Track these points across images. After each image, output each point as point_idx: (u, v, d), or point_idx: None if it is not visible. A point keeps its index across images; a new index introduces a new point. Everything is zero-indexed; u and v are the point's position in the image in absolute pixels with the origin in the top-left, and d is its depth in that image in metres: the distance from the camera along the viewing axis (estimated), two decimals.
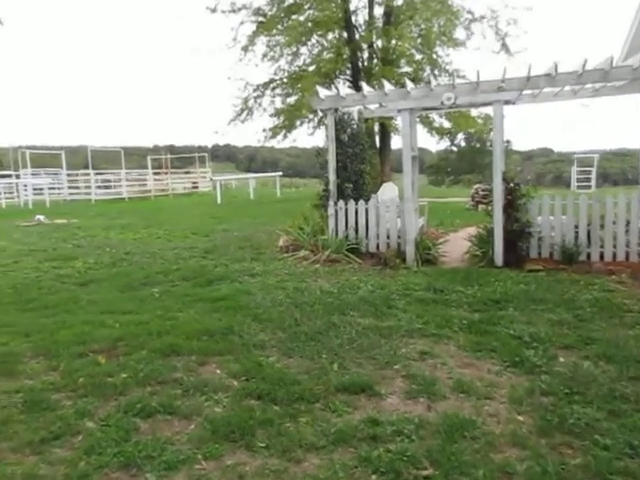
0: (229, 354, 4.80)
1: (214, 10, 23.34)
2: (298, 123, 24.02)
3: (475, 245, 8.63)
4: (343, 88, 9.44)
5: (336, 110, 9.59)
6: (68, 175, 29.80)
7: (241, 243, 10.87)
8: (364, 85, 9.41)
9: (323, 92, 9.38)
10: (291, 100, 24.21)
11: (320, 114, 24.53)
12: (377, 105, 11.32)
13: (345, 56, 23.53)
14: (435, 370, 4.39)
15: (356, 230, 9.37)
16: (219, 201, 23.54)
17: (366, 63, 23.94)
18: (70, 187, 29.49)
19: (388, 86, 9.21)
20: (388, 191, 10.66)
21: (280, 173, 31.41)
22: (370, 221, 9.33)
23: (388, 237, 9.26)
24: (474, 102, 8.55)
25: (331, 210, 9.42)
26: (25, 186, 26.32)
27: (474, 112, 22.58)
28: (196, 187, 35.96)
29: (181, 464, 3.05)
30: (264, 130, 23.86)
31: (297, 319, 5.75)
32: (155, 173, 34.06)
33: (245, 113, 23.92)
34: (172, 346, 4.93)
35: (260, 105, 24.26)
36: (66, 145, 36.63)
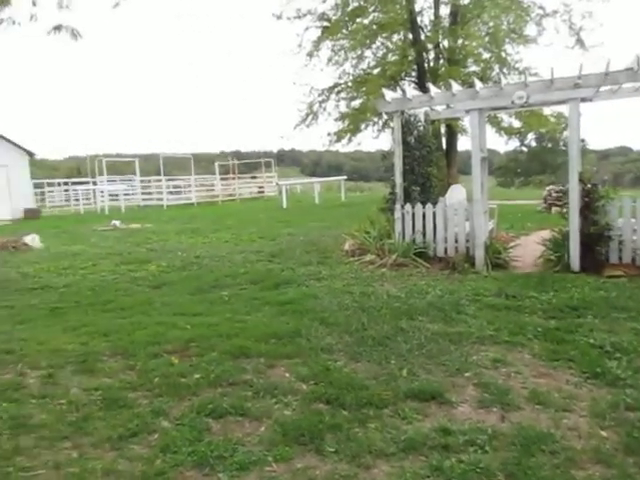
0: (297, 357, 4.83)
1: (279, 17, 23.73)
2: (363, 126, 23.98)
3: (549, 249, 8.31)
4: (409, 90, 9.33)
5: (402, 112, 9.50)
6: (141, 182, 31.05)
7: (307, 247, 10.95)
8: (431, 86, 9.27)
9: (389, 95, 9.31)
10: (356, 104, 24.23)
11: (385, 117, 24.50)
12: (444, 106, 11.15)
13: (410, 58, 23.31)
14: (508, 379, 4.24)
15: (423, 234, 9.23)
16: (285, 205, 23.85)
17: (432, 64, 23.62)
18: (143, 193, 30.72)
19: (455, 86, 9.03)
20: (456, 194, 10.44)
21: (345, 177, 31.48)
22: (438, 224, 9.17)
23: (456, 241, 9.07)
24: (547, 100, 8.24)
25: (398, 213, 9.33)
26: (102, 192, 27.64)
27: (546, 110, 21.80)
28: (262, 192, 36.59)
29: (252, 465, 3.09)
30: (329, 134, 24.00)
31: (364, 323, 5.72)
32: (222, 178, 34.91)
33: (310, 118, 24.13)
34: (241, 348, 5.01)
35: (325, 109, 24.42)
36: (139, 153, 38.13)
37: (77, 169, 56.48)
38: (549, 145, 48.92)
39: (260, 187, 37.25)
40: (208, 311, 6.61)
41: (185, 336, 5.46)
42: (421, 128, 10.10)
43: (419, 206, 9.26)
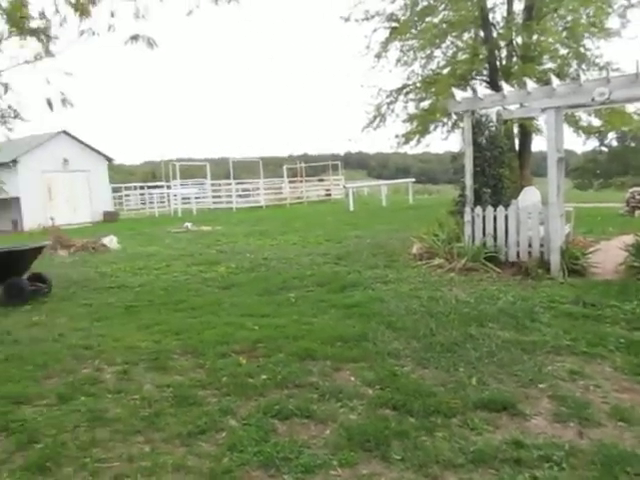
0: (363, 361, 4.80)
1: (347, 19, 23.76)
2: (432, 128, 23.60)
3: (632, 255, 7.85)
4: (480, 89, 9.09)
5: (473, 112, 9.27)
6: (212, 185, 31.97)
7: (374, 250, 10.89)
8: (504, 84, 9.00)
9: (459, 94, 9.11)
10: (424, 104, 23.88)
11: (455, 117, 24.02)
12: (517, 105, 10.79)
13: (481, 56, 22.75)
14: (587, 392, 4.03)
15: (494, 237, 8.95)
16: (351, 208, 23.85)
17: (504, 62, 22.93)
18: (214, 196, 31.60)
19: (530, 84, 8.71)
20: (529, 196, 10.06)
21: (413, 179, 31.13)
22: (510, 228, 8.86)
23: (530, 245, 8.73)
24: (632, 97, 7.81)
25: (468, 216, 9.10)
26: (175, 196, 28.66)
27: (630, 108, 20.63)
28: (329, 194, 36.75)
29: (317, 468, 3.09)
30: (397, 136, 23.77)
31: (432, 329, 5.60)
32: (290, 181, 35.35)
33: (378, 120, 24.00)
34: (308, 350, 5.03)
35: (393, 111, 24.20)
36: (210, 157, 39.26)
37: (152, 173, 58.84)
38: (632, 144, 46.31)
39: (327, 190, 37.43)
40: (275, 312, 6.69)
41: (253, 337, 5.54)
42: (493, 128, 9.81)
43: (490, 209, 8.99)
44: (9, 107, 6.26)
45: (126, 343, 5.51)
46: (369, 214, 21.01)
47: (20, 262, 7.94)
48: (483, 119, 9.57)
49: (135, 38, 6.70)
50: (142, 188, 32.24)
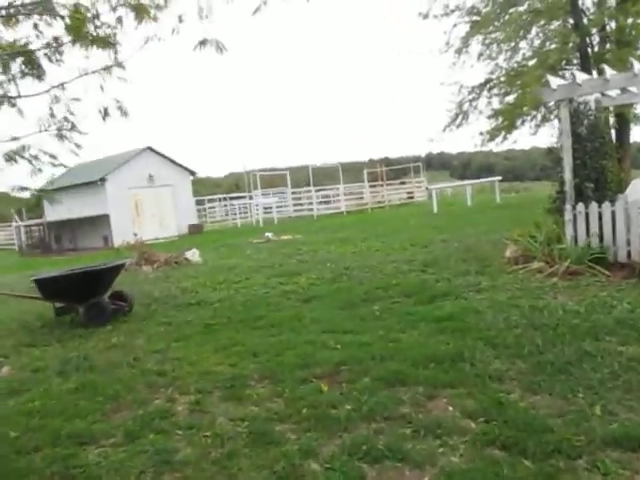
0: (461, 386, 4.21)
1: (426, 16, 22.97)
2: (519, 122, 22.29)
3: None
4: (579, 75, 8.18)
5: (570, 100, 8.39)
6: (292, 193, 32.04)
7: (463, 254, 10.15)
8: (606, 67, 8.05)
9: (555, 81, 8.26)
10: (510, 99, 22.62)
11: (544, 110, 22.57)
12: (618, 91, 9.74)
13: (571, 44, 21.25)
14: None
15: (600, 237, 8.02)
16: (435, 210, 22.98)
17: (596, 49, 21.30)
18: (295, 204, 31.67)
19: (637, 66, 7.73)
20: (638, 189, 8.99)
21: (499, 177, 29.65)
22: (618, 225, 7.89)
23: None
24: None
25: (568, 215, 8.21)
26: (256, 206, 28.95)
27: None
28: (412, 197, 35.92)
29: None
30: (481, 133, 22.60)
31: (539, 345, 4.91)
32: (371, 186, 34.81)
33: (460, 118, 22.96)
34: (396, 374, 4.51)
35: (475, 108, 23.08)
36: (291, 165, 39.47)
37: (236, 184, 60.33)
38: None
39: (409, 192, 36.61)
40: (359, 328, 6.21)
41: (335, 358, 5.09)
42: (592, 117, 8.85)
43: (594, 205, 8.06)
44: (65, 119, 6.16)
45: (202, 368, 5.22)
46: (454, 216, 20.08)
47: (99, 281, 7.94)
48: (582, 107, 8.65)
49: (204, 43, 6.47)
50: (225, 200, 32.84)
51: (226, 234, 23.78)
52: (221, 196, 34.61)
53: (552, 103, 21.89)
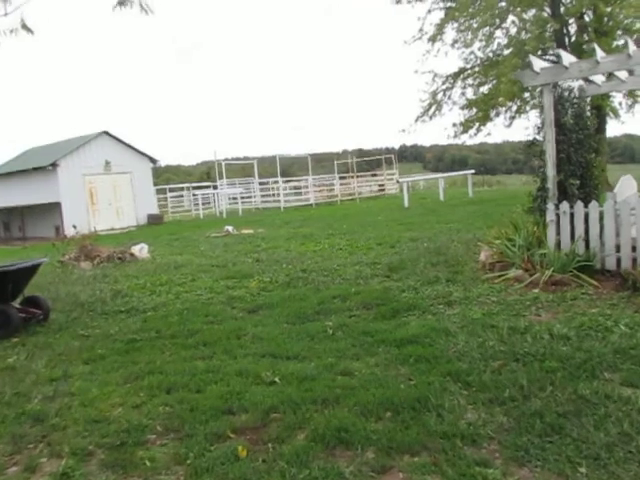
0: (424, 452, 3.16)
1: (399, 1, 21.93)
2: (493, 114, 21.44)
3: None
4: (566, 56, 7.16)
5: (554, 86, 7.38)
6: (260, 184, 30.71)
7: (432, 257, 9.11)
8: (597, 49, 7.05)
9: (538, 63, 7.24)
10: (484, 89, 21.76)
11: (518, 102, 21.73)
12: (603, 79, 8.81)
13: (548, 34, 20.44)
14: None
15: (586, 241, 7.06)
16: (406, 204, 22.00)
17: (574, 38, 20.52)
18: (263, 195, 30.38)
19: (632, 46, 6.76)
20: (627, 187, 8.07)
21: (472, 171, 28.82)
22: (606, 228, 6.95)
23: (634, 250, 6.80)
24: None
25: (551, 215, 7.23)
26: (220, 196, 27.58)
27: None
28: (383, 190, 34.95)
29: None
30: (454, 125, 21.75)
31: (522, 387, 3.87)
32: (341, 177, 33.69)
33: (433, 108, 22.05)
34: (340, 430, 3.41)
35: (449, 98, 22.23)
36: (265, 155, 38.08)
37: (207, 173, 58.80)
38: None
39: (381, 185, 35.61)
40: (305, 351, 5.13)
41: (267, 400, 3.97)
42: (577, 106, 7.87)
43: (579, 205, 7.09)
44: None
45: (95, 411, 4.05)
46: (426, 211, 19.11)
47: (4, 286, 6.63)
48: (567, 94, 7.66)
49: (123, 3, 5.27)
50: (188, 189, 31.33)
51: (185, 226, 22.42)
52: (184, 185, 33.03)
53: (528, 94, 21.36)
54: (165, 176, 72.94)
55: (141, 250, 12.86)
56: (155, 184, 38.75)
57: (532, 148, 7.89)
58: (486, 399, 3.74)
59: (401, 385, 4.09)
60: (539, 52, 20.66)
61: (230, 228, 17.14)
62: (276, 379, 4.47)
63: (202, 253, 12.89)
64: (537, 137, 7.75)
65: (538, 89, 18.70)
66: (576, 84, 8.06)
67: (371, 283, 7.85)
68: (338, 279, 8.34)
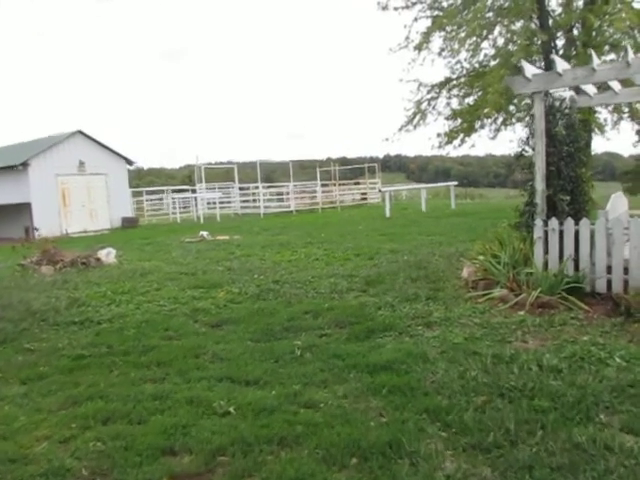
0: None
1: (385, 7, 21.52)
2: (478, 125, 21.13)
3: None
4: (560, 62, 6.76)
5: (546, 94, 6.98)
6: (240, 189, 30.07)
7: (412, 271, 8.64)
8: (594, 57, 6.67)
9: (530, 69, 6.83)
10: (470, 100, 21.46)
11: (504, 115, 21.48)
12: (595, 91, 8.46)
13: (535, 47, 20.24)
14: None
15: (575, 261, 6.64)
16: (388, 214, 21.58)
17: (562, 52, 20.32)
18: (243, 201, 29.76)
19: (631, 54, 6.38)
20: (619, 205, 7.70)
21: (455, 182, 28.54)
22: (598, 247, 6.54)
23: (626, 271, 6.39)
24: None
25: (539, 232, 6.81)
26: (200, 200, 26.92)
27: None
28: (365, 199, 34.56)
29: None
30: (439, 135, 21.34)
31: (509, 430, 3.38)
32: (323, 185, 33.21)
33: (418, 117, 21.61)
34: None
35: (434, 108, 21.79)
36: (249, 161, 37.35)
37: (189, 177, 58.09)
38: None
39: (363, 194, 35.21)
40: (268, 376, 4.61)
41: (215, 439, 3.44)
42: (568, 117, 7.48)
43: (570, 222, 6.67)
44: None
45: (14, 447, 3.48)
46: (407, 221, 18.69)
47: None
48: (558, 104, 7.27)
49: None
50: (167, 192, 30.52)
51: (160, 230, 21.71)
52: (163, 188, 32.27)
53: (514, 107, 21.16)
54: (148, 179, 71.99)
55: (108, 255, 12.22)
56: (137, 186, 37.99)
57: (520, 160, 7.48)
58: (468, 444, 3.25)
59: (371, 423, 3.59)
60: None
61: (205, 234, 16.54)
62: (231, 409, 3.95)
63: (173, 259, 12.29)
64: (526, 148, 7.34)
65: (525, 101, 18.71)
66: (567, 94, 7.69)
67: (346, 298, 7.35)
68: (312, 292, 7.84)
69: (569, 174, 7.21)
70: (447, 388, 4.08)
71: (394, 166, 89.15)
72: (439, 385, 4.15)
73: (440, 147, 21.59)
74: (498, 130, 21.66)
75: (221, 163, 41.66)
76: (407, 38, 21.28)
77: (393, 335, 5.59)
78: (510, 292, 6.51)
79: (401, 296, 7.07)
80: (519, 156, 7.51)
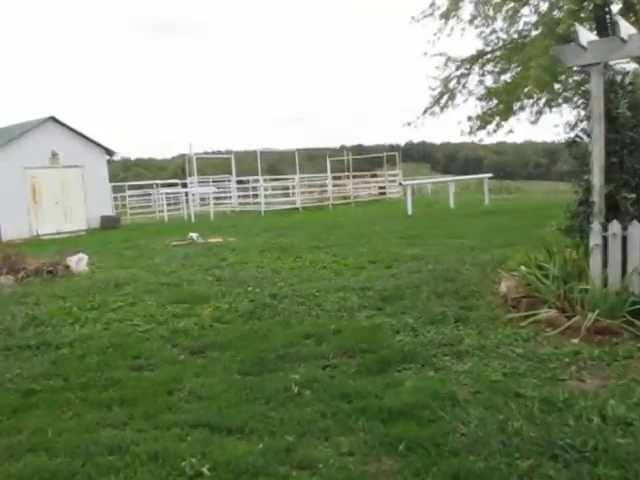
0: None
1: None
2: (516, 107, 20.60)
3: None
4: (625, 26, 6.27)
5: (605, 67, 6.49)
6: (238, 182, 29.75)
7: (439, 284, 8.19)
8: None
9: (585, 35, 6.36)
10: (507, 77, 20.95)
11: (546, 96, 20.94)
12: None
13: (585, 14, 19.68)
14: None
15: None
16: (410, 212, 21.20)
17: (617, 17, 19.75)
18: (242, 196, 29.46)
19: None
20: None
21: (489, 174, 28.02)
22: None
23: None
24: None
25: (596, 238, 6.31)
26: (192, 195, 26.64)
27: None
28: (384, 193, 34.17)
29: None
30: (470, 119, 20.83)
31: None
32: (335, 177, 32.83)
33: (445, 98, 21.14)
34: None
35: (465, 86, 21.31)
36: (251, 149, 37.06)
37: (182, 168, 57.99)
38: None
39: (381, 187, 34.83)
40: (256, 422, 4.25)
41: None
42: (631, 94, 6.97)
43: (636, 225, 6.16)
44: None
45: None
46: (433, 221, 18.28)
47: None
48: (619, 79, 6.77)
49: None
50: (151, 187, 30.25)
51: (145, 231, 21.46)
52: (149, 182, 32.01)
53: (559, 85, 20.61)
54: (135, 170, 71.92)
55: (79, 262, 11.90)
56: (123, 180, 37.79)
57: (572, 149, 6.99)
58: None
59: None
60: (573, 35, 19.93)
61: (195, 235, 16.23)
62: (204, 469, 3.56)
63: (155, 267, 11.97)
64: (579, 134, 6.86)
65: (573, 77, 18.16)
66: (631, 66, 7.19)
67: (357, 317, 6.95)
68: (316, 310, 7.46)
69: (634, 166, 6.68)
70: (483, 445, 3.62)
71: (417, 155, 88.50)
72: (472, 440, 3.70)
73: (471, 133, 21.11)
74: (540, 113, 21.12)
75: (219, 152, 41.53)
76: (432, 4, 20.80)
77: (414, 368, 5.16)
78: (560, 313, 6.05)
79: (424, 316, 6.64)
80: (571, 143, 7.03)
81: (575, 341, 5.54)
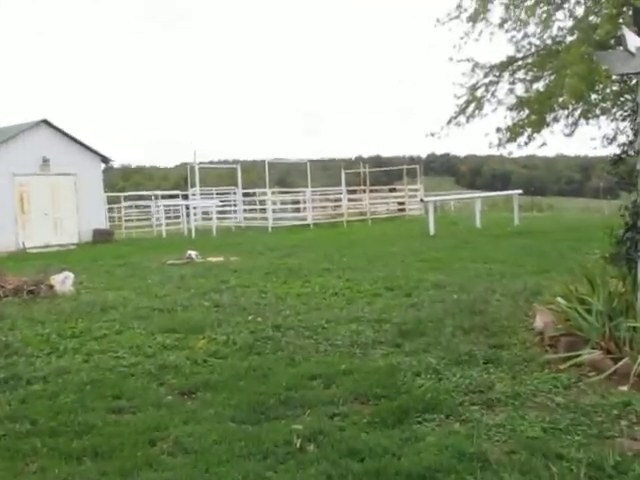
0: None
1: None
2: (550, 118, 20.34)
3: None
4: None
5: None
6: (244, 195, 29.58)
7: (465, 317, 7.85)
8: None
9: (634, 40, 6.03)
10: (539, 85, 20.72)
11: (581, 106, 20.67)
12: None
13: (623, 19, 19.45)
14: None
15: None
16: (432, 231, 20.89)
17: None
18: (248, 210, 29.31)
19: None
20: None
21: (519, 191, 27.66)
22: None
23: None
24: None
25: None
26: (194, 208, 26.50)
27: None
28: (403, 209, 33.92)
29: None
30: (499, 130, 20.61)
31: None
32: (350, 191, 32.60)
33: (472, 107, 20.97)
34: None
35: (493, 95, 21.15)
36: (250, 159, 37.08)
37: (185, 178, 58.21)
38: None
39: (401, 203, 34.57)
40: None
41: None
42: None
43: None
44: None
45: None
46: (457, 242, 17.99)
47: None
48: None
49: None
50: (149, 198, 30.17)
51: (140, 246, 21.37)
52: (147, 193, 31.97)
53: (595, 95, 20.32)
54: (135, 179, 72.26)
55: (64, 281, 11.67)
56: (122, 188, 37.82)
57: (617, 166, 6.67)
58: None
59: None
60: (612, 41, 19.70)
61: (193, 254, 16.07)
62: None
63: (147, 289, 11.76)
64: (628, 151, 6.54)
65: (613, 87, 17.87)
66: None
67: (372, 355, 6.62)
68: (324, 344, 7.15)
69: None
70: None
71: (440, 168, 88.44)
72: None
73: (500, 145, 20.91)
74: (576, 124, 20.86)
75: (226, 162, 41.44)
76: (459, 6, 20.67)
77: (437, 419, 4.80)
78: (605, 355, 5.69)
79: (449, 356, 6.29)
80: (616, 160, 6.71)
81: (624, 389, 5.18)
